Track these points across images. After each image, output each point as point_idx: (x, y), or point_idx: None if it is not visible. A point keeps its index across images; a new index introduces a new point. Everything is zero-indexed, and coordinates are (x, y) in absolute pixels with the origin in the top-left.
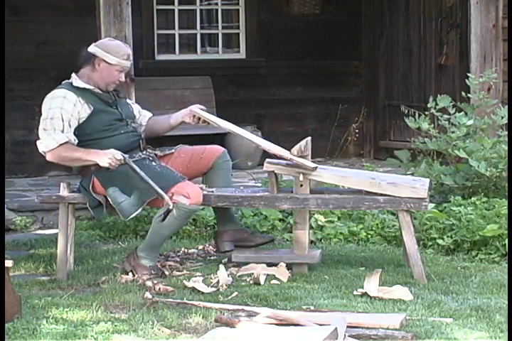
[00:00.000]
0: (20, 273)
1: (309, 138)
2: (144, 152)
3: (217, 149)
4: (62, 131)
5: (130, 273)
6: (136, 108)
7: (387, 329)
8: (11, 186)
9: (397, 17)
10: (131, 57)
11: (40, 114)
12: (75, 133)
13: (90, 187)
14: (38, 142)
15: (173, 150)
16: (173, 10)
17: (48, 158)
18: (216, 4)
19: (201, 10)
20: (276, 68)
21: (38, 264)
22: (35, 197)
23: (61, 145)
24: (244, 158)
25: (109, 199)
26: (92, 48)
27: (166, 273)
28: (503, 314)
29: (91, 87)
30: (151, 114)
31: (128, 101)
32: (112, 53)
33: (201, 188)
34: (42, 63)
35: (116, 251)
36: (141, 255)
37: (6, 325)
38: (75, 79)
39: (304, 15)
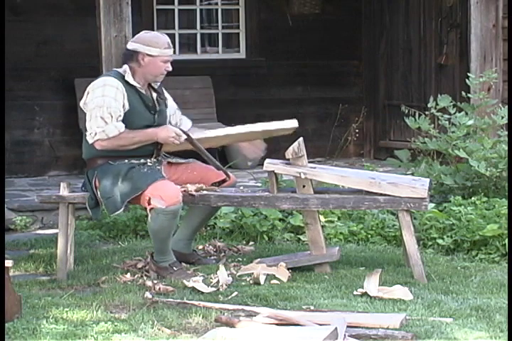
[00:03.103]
0: (20, 273)
1: (301, 138)
2: (153, 159)
3: (230, 180)
4: (117, 120)
5: (128, 274)
6: (177, 115)
7: (387, 329)
8: (11, 186)
9: (397, 17)
10: (171, 45)
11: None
12: None
13: (93, 181)
14: (92, 130)
15: (184, 161)
16: (173, 10)
17: (103, 145)
18: (216, 4)
19: (201, 10)
20: (277, 68)
21: (38, 264)
22: (35, 197)
23: (121, 133)
24: (245, 157)
25: (98, 193)
26: (131, 45)
27: (184, 264)
28: (503, 314)
29: (138, 86)
30: (190, 123)
31: (171, 107)
32: (153, 45)
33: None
34: (42, 63)
35: (116, 251)
36: (157, 259)
37: (6, 324)
38: (128, 74)
39: (304, 15)
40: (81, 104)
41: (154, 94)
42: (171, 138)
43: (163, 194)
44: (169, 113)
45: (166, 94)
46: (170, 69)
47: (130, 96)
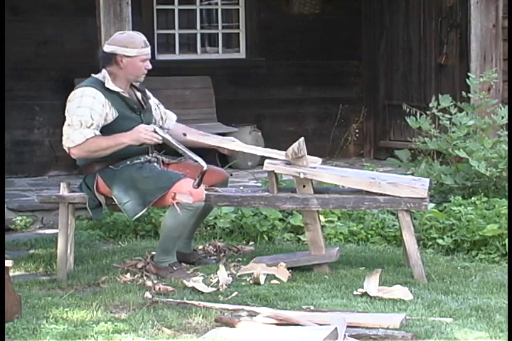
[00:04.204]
0: (20, 273)
1: (302, 138)
2: (151, 155)
3: (221, 175)
4: (89, 128)
5: (128, 274)
6: (161, 110)
7: (387, 329)
8: (11, 186)
9: (397, 17)
10: (148, 43)
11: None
12: None
13: (94, 186)
14: (63, 138)
15: (176, 161)
16: (173, 10)
17: (74, 153)
18: (216, 4)
19: (201, 10)
20: (277, 68)
21: (38, 264)
22: (35, 197)
23: (87, 139)
24: (244, 157)
25: (115, 199)
26: (107, 48)
27: (184, 264)
28: (503, 314)
29: (120, 90)
30: (175, 117)
31: (153, 102)
32: (129, 46)
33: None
34: (42, 63)
35: (116, 251)
36: (159, 260)
37: (6, 324)
38: (108, 80)
39: (304, 15)
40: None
41: (138, 94)
42: (144, 139)
43: (192, 189)
44: (153, 109)
45: (147, 92)
46: (150, 67)
47: (114, 103)
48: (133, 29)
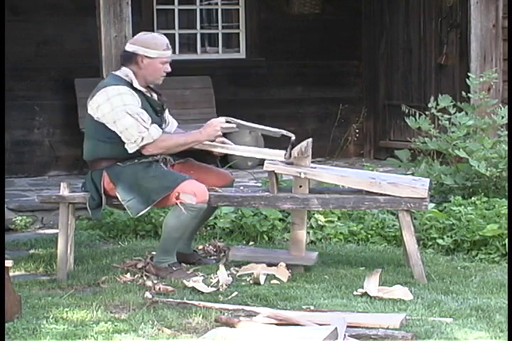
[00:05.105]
0: (20, 273)
1: (310, 139)
2: (160, 156)
3: (227, 178)
4: (152, 124)
5: (128, 274)
6: (167, 114)
7: (387, 329)
8: (11, 186)
9: (397, 17)
10: (170, 46)
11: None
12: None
13: (102, 182)
14: (133, 137)
15: (182, 161)
16: (173, 10)
17: (150, 150)
18: (216, 4)
19: (201, 10)
20: (277, 68)
21: (38, 264)
22: (35, 197)
23: (161, 135)
24: (244, 157)
25: (118, 196)
26: (129, 47)
27: (184, 265)
28: (503, 314)
29: (144, 90)
30: (177, 123)
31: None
32: (151, 47)
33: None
34: (42, 63)
35: (116, 251)
36: (158, 260)
37: (6, 324)
38: (134, 80)
39: (304, 15)
40: (95, 115)
41: (155, 95)
42: (219, 133)
43: (196, 190)
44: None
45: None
46: (169, 70)
47: (142, 102)
48: (133, 29)
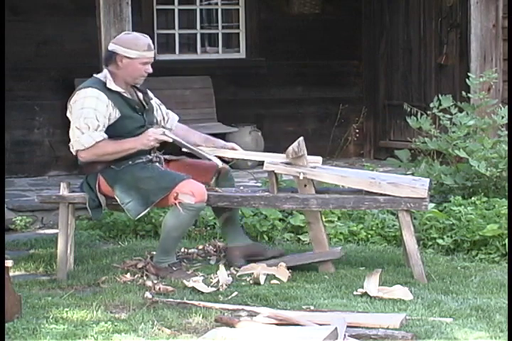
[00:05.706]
0: (20, 273)
1: (301, 138)
2: (153, 154)
3: (213, 167)
4: (96, 130)
5: (128, 274)
6: (163, 111)
7: (387, 329)
8: (11, 186)
9: (397, 17)
10: (153, 46)
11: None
12: None
13: (97, 186)
14: (72, 141)
15: (176, 158)
16: (173, 10)
17: (83, 156)
18: (216, 4)
19: (201, 10)
20: (277, 68)
21: (38, 264)
22: (35, 197)
23: (97, 143)
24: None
25: (117, 199)
26: (111, 46)
27: (184, 263)
28: (503, 314)
29: (121, 90)
30: (177, 117)
31: (155, 103)
32: (131, 47)
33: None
34: (42, 63)
35: (116, 251)
36: (158, 260)
37: (6, 324)
38: (109, 80)
39: (304, 15)
40: (68, 115)
41: (140, 94)
42: (152, 143)
43: (195, 190)
44: (154, 110)
45: (149, 93)
46: (150, 71)
47: (116, 103)
48: (133, 29)
